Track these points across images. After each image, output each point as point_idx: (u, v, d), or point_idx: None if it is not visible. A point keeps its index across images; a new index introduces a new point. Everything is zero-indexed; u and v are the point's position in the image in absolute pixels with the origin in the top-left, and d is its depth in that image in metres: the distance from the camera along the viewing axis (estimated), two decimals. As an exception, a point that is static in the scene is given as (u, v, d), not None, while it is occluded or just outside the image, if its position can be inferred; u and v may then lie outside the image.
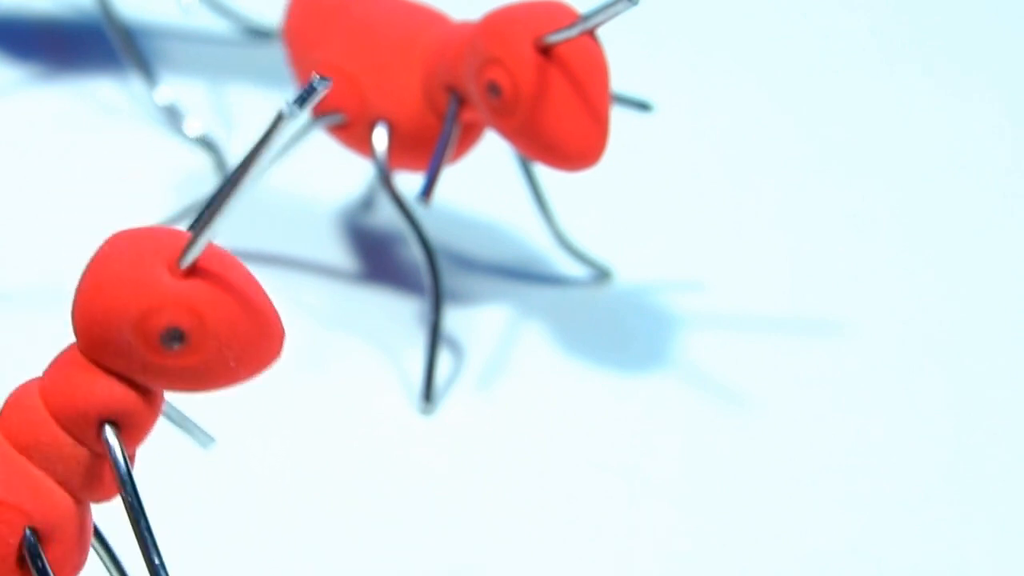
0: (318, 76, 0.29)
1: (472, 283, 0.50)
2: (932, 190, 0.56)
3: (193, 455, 0.41)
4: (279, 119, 0.29)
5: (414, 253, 0.47)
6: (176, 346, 0.30)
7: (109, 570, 0.34)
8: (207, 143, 0.53)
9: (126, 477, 0.31)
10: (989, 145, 0.59)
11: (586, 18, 0.42)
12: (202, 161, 0.53)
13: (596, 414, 0.46)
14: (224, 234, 0.31)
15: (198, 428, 0.35)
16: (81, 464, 0.31)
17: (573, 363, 0.47)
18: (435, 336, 0.46)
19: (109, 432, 0.31)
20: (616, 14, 0.41)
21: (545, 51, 0.42)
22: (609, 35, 0.43)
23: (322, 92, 0.29)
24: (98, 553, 0.34)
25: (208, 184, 0.51)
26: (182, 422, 0.34)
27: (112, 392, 0.31)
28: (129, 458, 0.31)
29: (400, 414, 0.45)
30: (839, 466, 0.45)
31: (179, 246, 0.30)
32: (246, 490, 0.42)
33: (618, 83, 0.44)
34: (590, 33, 0.42)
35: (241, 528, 0.41)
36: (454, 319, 0.48)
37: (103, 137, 0.54)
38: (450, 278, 0.49)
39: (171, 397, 0.34)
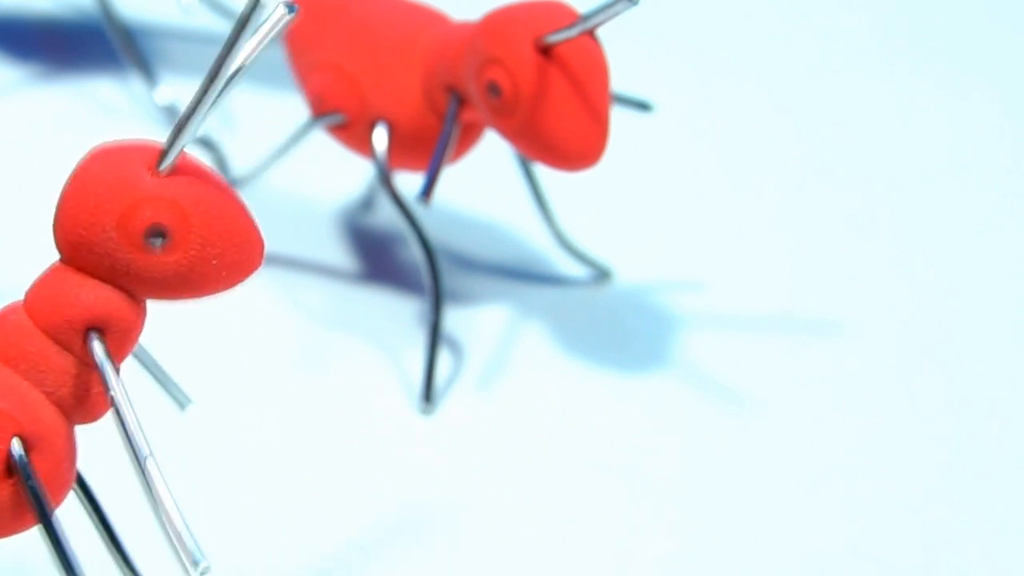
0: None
1: (472, 283, 0.50)
2: (932, 190, 0.56)
3: (192, 452, 0.41)
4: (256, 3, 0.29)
5: (414, 253, 0.47)
6: (159, 243, 0.30)
7: (90, 515, 0.33)
8: (207, 143, 0.53)
9: (113, 381, 0.30)
10: (989, 145, 0.59)
11: (586, 18, 0.42)
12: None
13: (596, 414, 0.46)
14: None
15: (176, 386, 0.35)
16: (69, 375, 0.31)
17: (573, 363, 0.47)
18: (435, 336, 0.46)
19: (95, 338, 0.30)
20: (616, 14, 0.41)
21: (545, 51, 0.42)
22: (609, 35, 0.43)
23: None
24: (80, 500, 0.33)
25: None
26: (161, 377, 0.34)
27: (97, 296, 0.30)
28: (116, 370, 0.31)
29: (400, 414, 0.45)
30: (839, 466, 0.45)
31: (158, 152, 0.30)
32: (245, 490, 0.42)
33: (618, 83, 0.44)
34: (590, 33, 0.42)
35: (239, 528, 0.41)
36: (454, 319, 0.48)
37: (103, 137, 0.54)
38: (450, 278, 0.49)
39: (153, 351, 0.33)
